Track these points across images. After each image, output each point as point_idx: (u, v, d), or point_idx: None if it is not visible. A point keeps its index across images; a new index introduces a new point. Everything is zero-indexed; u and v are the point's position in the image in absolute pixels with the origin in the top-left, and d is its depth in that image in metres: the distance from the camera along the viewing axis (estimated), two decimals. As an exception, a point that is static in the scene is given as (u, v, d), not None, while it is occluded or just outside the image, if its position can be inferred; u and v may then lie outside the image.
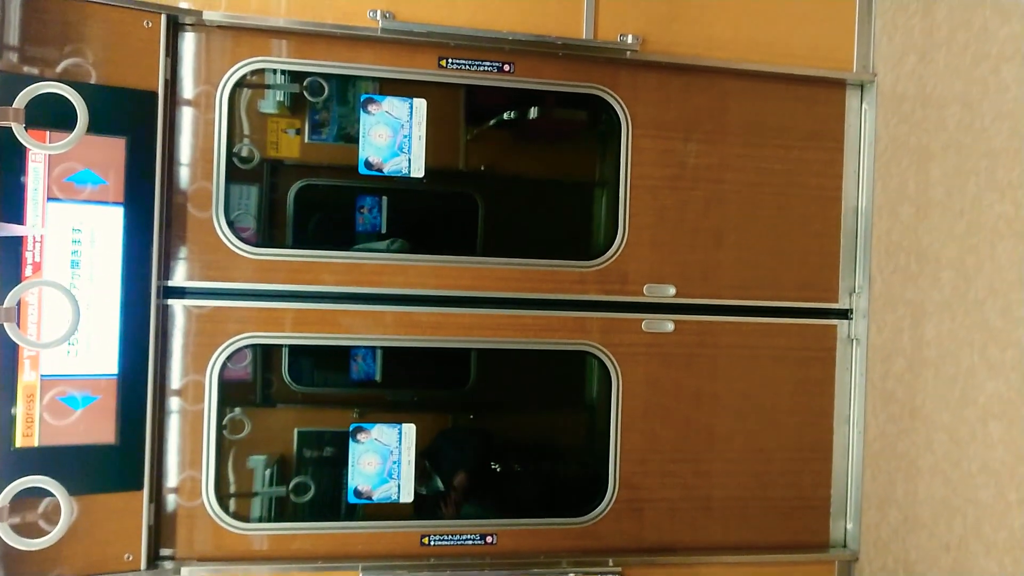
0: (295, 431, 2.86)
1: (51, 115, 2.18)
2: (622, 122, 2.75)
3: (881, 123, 2.83)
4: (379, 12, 2.55)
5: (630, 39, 2.69)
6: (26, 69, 2.26)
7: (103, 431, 2.34)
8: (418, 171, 2.68)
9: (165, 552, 2.50)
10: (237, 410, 2.69)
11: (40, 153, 2.22)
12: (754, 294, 2.84)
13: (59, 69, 2.29)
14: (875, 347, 2.81)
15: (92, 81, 2.32)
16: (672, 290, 2.78)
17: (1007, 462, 2.21)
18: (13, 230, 2.20)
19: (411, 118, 2.66)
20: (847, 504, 2.89)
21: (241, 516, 2.59)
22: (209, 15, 2.46)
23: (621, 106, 2.75)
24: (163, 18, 2.41)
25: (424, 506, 2.76)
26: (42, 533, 2.19)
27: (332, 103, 2.78)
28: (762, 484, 2.86)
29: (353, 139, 2.69)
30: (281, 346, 2.79)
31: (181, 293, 2.51)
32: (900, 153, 2.72)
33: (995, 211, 2.29)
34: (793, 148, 2.86)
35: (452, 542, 2.65)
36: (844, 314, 2.90)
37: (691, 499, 2.81)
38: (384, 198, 2.89)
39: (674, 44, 2.75)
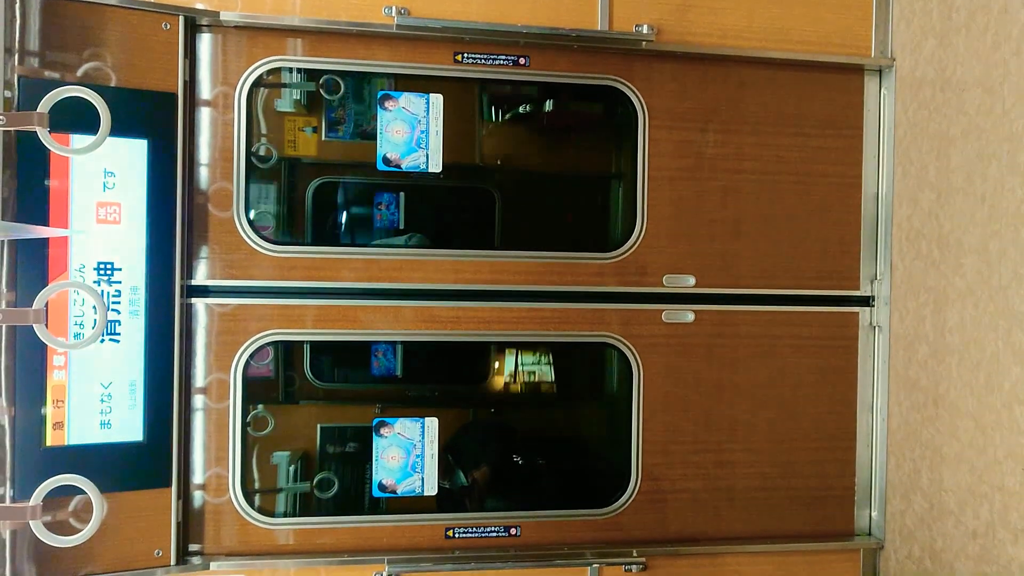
0: (318, 427, 2.89)
1: (73, 119, 2.21)
2: (638, 113, 2.74)
3: (900, 109, 2.81)
4: (394, 8, 2.56)
5: (645, 29, 2.68)
6: (47, 74, 2.29)
7: (131, 429, 2.37)
8: (436, 166, 2.68)
9: (194, 548, 2.54)
10: (260, 407, 2.72)
11: (64, 156, 2.25)
12: (774, 283, 2.83)
13: (79, 73, 2.32)
14: (897, 334, 2.79)
15: (112, 84, 2.35)
16: (692, 280, 2.77)
17: (1034, 448, 2.19)
18: (38, 232, 2.23)
19: (428, 113, 2.67)
20: (871, 492, 2.88)
21: (267, 511, 2.62)
22: (226, 16, 2.48)
23: (637, 97, 2.74)
24: (181, 20, 2.43)
25: (448, 499, 2.78)
26: (72, 531, 2.23)
27: (348, 100, 2.79)
28: (785, 474, 2.85)
29: (369, 136, 2.70)
30: (303, 343, 2.82)
31: (204, 292, 2.54)
32: (920, 139, 2.70)
33: (1017, 195, 2.27)
34: (811, 136, 2.85)
35: (476, 534, 2.66)
36: (866, 301, 2.88)
37: (714, 489, 2.81)
38: (402, 194, 2.91)
39: (689, 34, 2.74)
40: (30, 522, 2.14)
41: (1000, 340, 2.32)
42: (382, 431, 2.68)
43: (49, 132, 2.14)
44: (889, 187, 2.84)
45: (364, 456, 2.70)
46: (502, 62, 2.68)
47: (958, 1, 2.52)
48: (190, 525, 2.53)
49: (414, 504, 2.71)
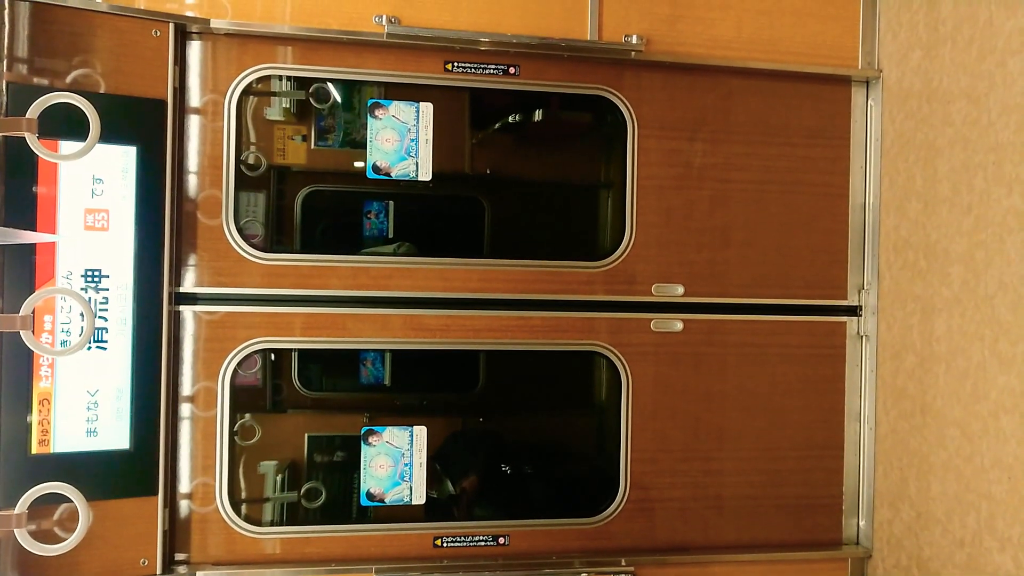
0: (306, 436, 2.88)
1: (62, 125, 2.20)
2: (628, 123, 2.76)
3: (887, 119, 2.83)
4: (384, 17, 2.57)
5: (634, 40, 2.70)
6: (36, 80, 2.28)
7: (117, 437, 2.36)
8: (425, 175, 2.69)
9: (180, 556, 2.52)
10: (248, 416, 2.71)
11: (52, 162, 2.24)
12: (762, 292, 2.84)
13: (69, 80, 2.32)
14: (885, 343, 2.81)
15: (102, 91, 2.34)
16: (680, 289, 2.78)
17: (1020, 456, 2.20)
18: (26, 237, 2.22)
19: (418, 122, 2.67)
20: (859, 501, 2.89)
21: (254, 520, 2.61)
22: (216, 23, 2.48)
23: (626, 107, 2.76)
24: (171, 27, 2.43)
25: (436, 508, 2.77)
26: (57, 539, 2.21)
27: (338, 109, 2.79)
28: (773, 482, 2.85)
29: (359, 144, 2.70)
30: (291, 352, 2.81)
31: (192, 299, 2.53)
32: (906, 149, 2.72)
33: (1003, 205, 2.29)
34: (799, 146, 2.86)
35: (465, 543, 2.66)
36: (853, 311, 2.90)
37: (702, 498, 2.81)
38: (391, 202, 2.90)
39: (678, 44, 2.76)
40: (15, 530, 2.13)
41: (986, 349, 2.34)
42: (371, 439, 2.67)
43: (38, 138, 2.14)
44: (876, 197, 2.86)
45: (352, 465, 2.69)
46: (492, 71, 2.69)
47: (944, 13, 2.55)
48: (176, 534, 2.52)
49: (402, 513, 2.69)
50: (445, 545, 2.65)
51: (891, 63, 2.81)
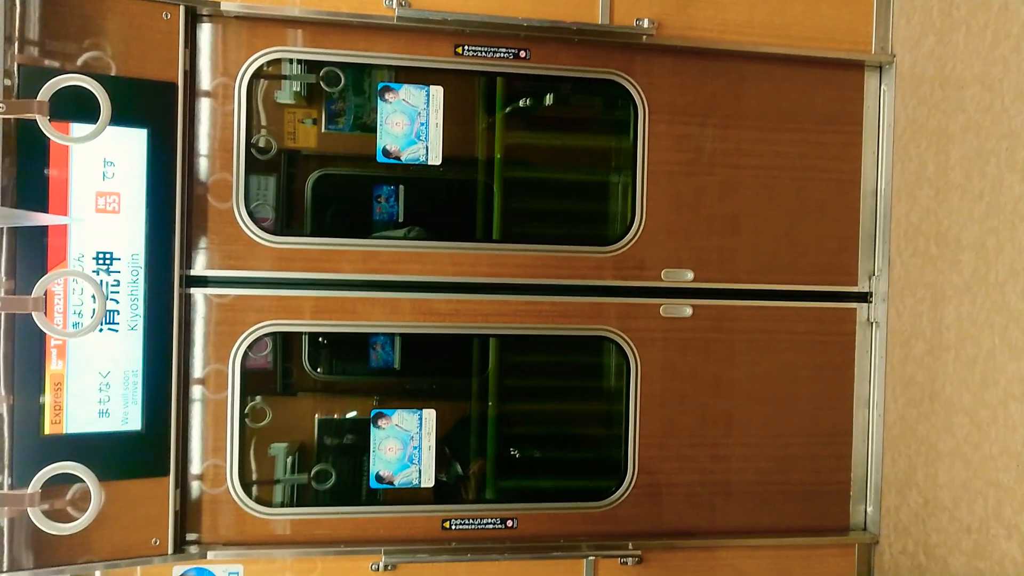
0: (316, 418, 2.90)
1: (73, 108, 2.21)
2: (638, 107, 2.75)
3: (900, 105, 2.81)
4: (395, 0, 2.56)
5: (646, 23, 2.68)
6: (47, 63, 2.28)
7: (129, 419, 2.38)
8: (435, 159, 2.68)
9: (191, 537, 2.54)
10: (259, 398, 2.72)
11: (63, 144, 2.25)
12: (772, 278, 2.83)
13: (79, 62, 2.32)
14: (894, 330, 2.80)
15: (112, 73, 2.35)
16: (690, 275, 2.78)
17: (1028, 444, 2.20)
18: (38, 219, 2.23)
19: (428, 106, 2.67)
20: (867, 488, 2.89)
21: (265, 502, 2.63)
22: (226, 6, 2.47)
23: (637, 91, 2.74)
24: (181, 9, 2.43)
25: (445, 491, 2.79)
26: (70, 519, 2.23)
27: (348, 93, 2.79)
28: (781, 468, 2.86)
29: (369, 128, 2.70)
30: (301, 335, 2.82)
31: (203, 282, 2.54)
32: (919, 135, 2.70)
33: (1015, 192, 2.27)
34: (811, 131, 2.85)
35: (473, 526, 2.67)
36: (863, 297, 2.89)
37: (710, 484, 2.82)
38: (401, 186, 2.91)
39: (690, 28, 2.74)
40: (28, 509, 2.15)
41: (996, 336, 2.33)
42: (380, 422, 2.68)
43: (49, 120, 2.14)
44: (888, 183, 2.85)
45: (362, 447, 2.71)
46: (503, 55, 2.68)
47: (958, -2, 2.53)
48: (187, 514, 2.54)
49: (411, 496, 2.71)
50: (453, 528, 2.67)
51: (904, 48, 2.79)
